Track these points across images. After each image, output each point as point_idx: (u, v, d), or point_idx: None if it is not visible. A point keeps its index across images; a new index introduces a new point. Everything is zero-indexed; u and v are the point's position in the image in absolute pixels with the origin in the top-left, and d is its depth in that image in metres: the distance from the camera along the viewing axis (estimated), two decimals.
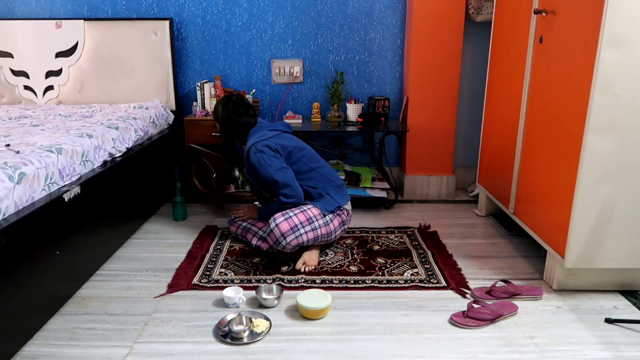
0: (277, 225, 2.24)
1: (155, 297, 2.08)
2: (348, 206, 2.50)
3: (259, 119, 2.58)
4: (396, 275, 2.27)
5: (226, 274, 2.28)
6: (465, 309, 1.95)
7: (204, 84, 3.25)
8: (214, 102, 3.29)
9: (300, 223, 2.27)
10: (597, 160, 1.91)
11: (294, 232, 2.25)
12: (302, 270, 2.30)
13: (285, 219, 2.26)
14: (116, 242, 2.54)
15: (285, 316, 1.96)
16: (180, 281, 2.21)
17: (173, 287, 2.16)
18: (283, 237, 2.23)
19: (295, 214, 2.29)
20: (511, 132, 2.59)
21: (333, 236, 2.41)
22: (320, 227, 2.32)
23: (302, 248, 2.38)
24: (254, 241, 2.50)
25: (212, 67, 3.47)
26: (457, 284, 2.19)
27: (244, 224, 2.57)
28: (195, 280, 2.22)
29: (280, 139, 2.45)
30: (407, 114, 3.33)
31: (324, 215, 2.34)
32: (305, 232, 2.27)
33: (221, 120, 2.55)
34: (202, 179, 3.12)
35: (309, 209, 2.33)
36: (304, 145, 2.51)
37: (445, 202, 3.36)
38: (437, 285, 2.19)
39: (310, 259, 2.34)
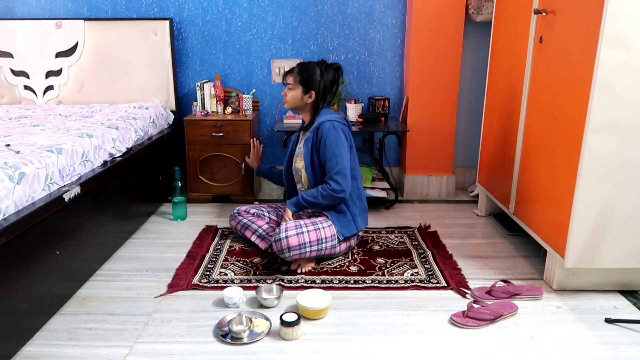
0: (287, 237, 2.20)
1: (156, 297, 2.08)
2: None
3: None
4: (396, 275, 2.27)
5: (226, 274, 2.28)
6: (465, 309, 1.95)
7: (204, 84, 3.25)
8: (214, 102, 3.30)
9: (310, 242, 2.23)
10: (597, 160, 1.91)
11: (299, 249, 2.22)
12: (298, 271, 2.30)
13: (297, 234, 2.21)
14: (116, 242, 2.54)
15: None
16: (180, 281, 2.21)
17: (173, 287, 2.16)
18: (289, 250, 2.20)
19: (308, 231, 2.24)
20: (511, 132, 2.59)
21: (335, 255, 2.42)
22: (326, 249, 2.30)
23: None
24: (253, 238, 2.50)
25: (212, 67, 3.47)
26: (457, 284, 2.19)
27: (245, 220, 2.56)
28: (195, 280, 2.22)
29: (348, 130, 2.39)
30: (407, 114, 3.33)
31: (335, 238, 2.31)
32: (311, 251, 2.25)
33: (322, 88, 2.37)
34: (210, 175, 3.16)
35: (323, 228, 2.28)
36: (353, 148, 2.43)
37: (445, 202, 3.36)
38: (437, 285, 2.19)
39: (306, 262, 2.34)
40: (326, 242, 2.28)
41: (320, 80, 2.36)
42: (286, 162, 2.57)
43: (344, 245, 2.39)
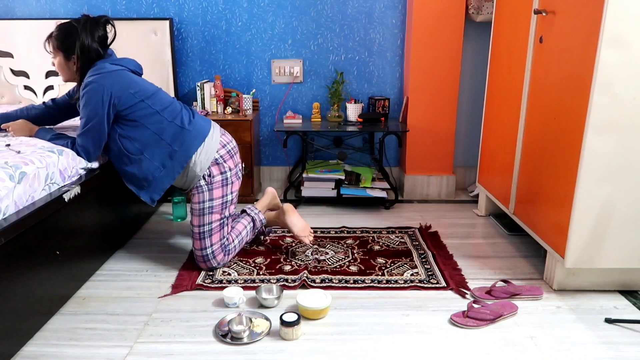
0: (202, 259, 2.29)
1: (160, 297, 2.08)
2: (212, 135, 2.22)
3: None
4: (396, 275, 2.27)
5: (229, 274, 2.28)
6: (465, 309, 1.95)
7: (204, 84, 3.25)
8: (214, 102, 3.29)
9: (203, 246, 2.25)
10: (597, 160, 1.92)
11: (204, 254, 2.26)
12: (310, 242, 2.40)
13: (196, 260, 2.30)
14: (116, 242, 2.54)
15: None
16: (184, 281, 2.21)
17: (177, 288, 2.15)
18: (213, 261, 2.27)
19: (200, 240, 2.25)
20: (511, 132, 2.59)
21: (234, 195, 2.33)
22: (225, 225, 2.28)
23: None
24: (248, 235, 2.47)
25: (212, 67, 3.47)
26: (457, 284, 2.19)
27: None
28: (199, 281, 2.21)
29: (118, 77, 2.11)
30: (407, 114, 3.33)
31: (220, 211, 2.23)
32: (235, 244, 2.31)
33: (81, 49, 2.08)
34: None
35: (201, 226, 2.22)
36: (146, 89, 2.20)
37: (445, 202, 3.36)
38: (437, 285, 2.19)
39: (301, 230, 2.39)
40: (210, 225, 2.23)
41: (78, 40, 2.07)
42: None
43: (236, 185, 2.30)
